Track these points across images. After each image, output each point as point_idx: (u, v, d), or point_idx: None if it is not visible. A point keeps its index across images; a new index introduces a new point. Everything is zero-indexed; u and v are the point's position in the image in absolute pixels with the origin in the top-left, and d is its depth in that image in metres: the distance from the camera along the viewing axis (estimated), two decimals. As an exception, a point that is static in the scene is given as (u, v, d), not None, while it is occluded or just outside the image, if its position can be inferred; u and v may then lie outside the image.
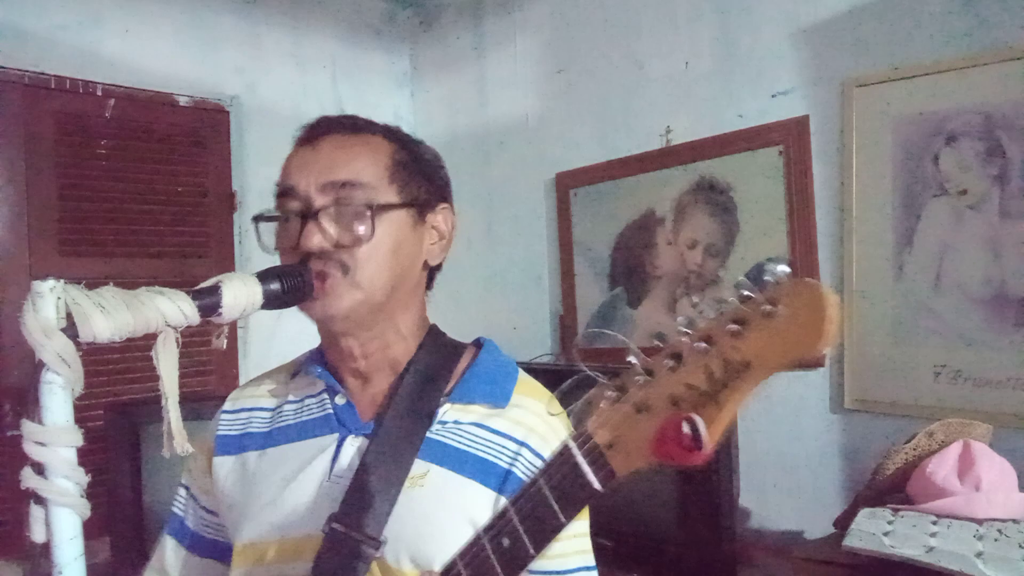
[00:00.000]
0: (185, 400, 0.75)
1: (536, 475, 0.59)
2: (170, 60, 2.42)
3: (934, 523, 1.30)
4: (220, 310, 0.75)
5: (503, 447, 0.84)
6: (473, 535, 0.62)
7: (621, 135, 2.32)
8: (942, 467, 1.38)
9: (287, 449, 0.87)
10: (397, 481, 0.81)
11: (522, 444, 0.84)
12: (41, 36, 2.16)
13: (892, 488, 1.49)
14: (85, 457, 0.68)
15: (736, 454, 1.83)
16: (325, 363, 0.91)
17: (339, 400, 0.88)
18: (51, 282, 0.66)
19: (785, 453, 1.94)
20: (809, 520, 1.88)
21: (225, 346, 0.81)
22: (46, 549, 0.66)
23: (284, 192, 0.85)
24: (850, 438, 1.83)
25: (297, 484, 0.84)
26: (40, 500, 0.66)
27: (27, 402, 0.66)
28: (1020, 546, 1.20)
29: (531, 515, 0.58)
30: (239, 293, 0.76)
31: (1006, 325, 1.58)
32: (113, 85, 2.29)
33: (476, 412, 0.86)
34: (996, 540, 1.22)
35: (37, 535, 0.66)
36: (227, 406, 0.96)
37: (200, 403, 2.13)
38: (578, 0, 2.45)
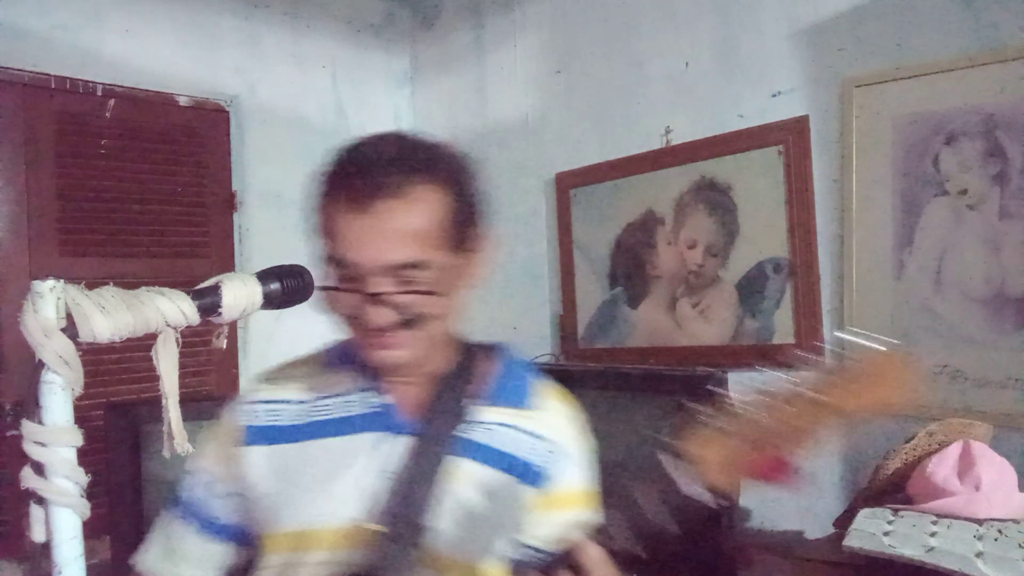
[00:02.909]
0: (185, 400, 0.75)
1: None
2: (170, 60, 2.42)
3: (934, 523, 1.30)
4: (220, 310, 0.75)
5: (535, 447, 0.92)
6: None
7: (621, 135, 2.32)
8: (942, 467, 1.38)
9: (330, 443, 0.90)
10: (440, 476, 0.87)
11: (554, 444, 0.93)
12: (41, 36, 2.16)
13: (892, 488, 1.49)
14: (85, 457, 0.68)
15: (736, 454, 1.82)
16: (358, 360, 0.91)
17: (383, 399, 0.91)
18: (51, 282, 0.66)
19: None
20: (809, 520, 1.88)
21: (225, 346, 0.82)
22: (46, 549, 0.66)
23: (336, 260, 0.82)
24: (850, 438, 1.83)
25: (344, 477, 0.87)
26: (40, 500, 0.66)
27: (27, 402, 0.66)
28: (1020, 546, 1.20)
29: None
30: (239, 293, 0.76)
31: (1006, 325, 1.58)
32: (113, 85, 2.29)
33: (504, 413, 0.93)
34: (996, 540, 1.23)
35: (37, 535, 0.66)
36: (256, 395, 0.96)
37: (200, 403, 2.14)
38: (578, 0, 2.45)
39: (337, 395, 0.93)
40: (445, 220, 0.83)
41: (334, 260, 0.82)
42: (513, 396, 0.94)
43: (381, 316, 0.81)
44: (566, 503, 0.94)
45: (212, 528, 0.95)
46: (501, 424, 0.92)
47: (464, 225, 0.86)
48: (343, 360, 0.94)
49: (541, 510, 0.92)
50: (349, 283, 0.82)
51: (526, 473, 0.91)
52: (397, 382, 0.91)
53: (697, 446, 0.69)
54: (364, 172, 0.81)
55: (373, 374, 0.91)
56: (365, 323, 0.82)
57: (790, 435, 0.67)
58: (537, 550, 0.91)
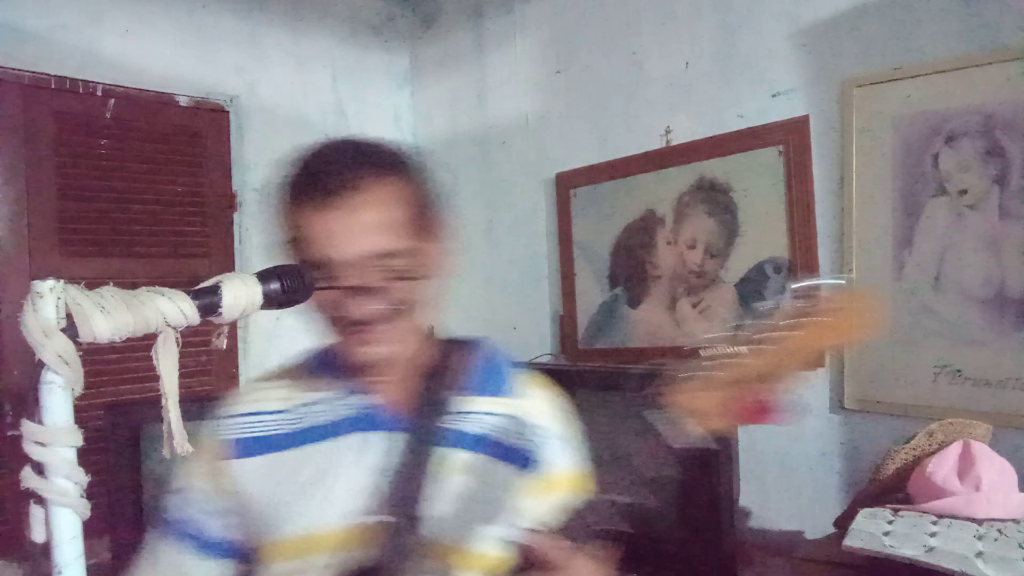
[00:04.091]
0: (185, 400, 0.75)
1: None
2: (170, 60, 2.42)
3: (934, 523, 1.30)
4: (220, 310, 0.75)
5: (521, 432, 0.96)
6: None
7: (621, 135, 2.32)
8: (942, 467, 1.38)
9: (320, 447, 0.92)
10: (434, 469, 0.90)
11: (540, 427, 0.97)
12: (41, 36, 2.16)
13: (892, 488, 1.49)
14: (85, 457, 0.68)
15: (736, 454, 1.83)
16: (339, 364, 0.94)
17: (368, 400, 0.93)
18: (51, 282, 0.66)
19: (785, 453, 1.94)
20: (809, 520, 1.88)
21: (225, 346, 0.82)
22: (46, 549, 0.66)
23: (311, 262, 0.84)
24: (850, 438, 1.83)
25: (340, 479, 0.90)
26: (40, 500, 0.66)
27: (27, 402, 0.66)
28: (1020, 546, 1.20)
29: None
30: (239, 293, 0.76)
31: (1006, 325, 1.58)
32: (113, 85, 2.29)
33: (489, 402, 0.96)
34: (996, 540, 1.23)
35: (37, 535, 0.66)
36: (236, 409, 0.97)
37: (200, 403, 2.13)
38: (578, 0, 2.45)
39: (321, 400, 0.95)
40: (405, 209, 0.87)
41: (309, 263, 0.84)
42: (495, 385, 0.97)
43: (362, 308, 0.83)
44: (559, 485, 0.96)
45: (208, 546, 0.95)
46: (487, 413, 0.95)
47: (423, 213, 0.89)
48: (324, 366, 0.97)
49: (535, 494, 0.95)
50: (326, 282, 0.83)
51: (516, 458, 0.94)
52: (380, 381, 0.93)
53: (681, 399, 0.75)
54: (322, 174, 0.85)
55: (356, 376, 0.93)
56: (348, 317, 0.84)
57: (769, 375, 0.72)
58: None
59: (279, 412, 0.95)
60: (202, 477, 0.96)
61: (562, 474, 0.98)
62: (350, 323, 0.85)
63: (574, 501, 0.86)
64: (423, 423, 0.92)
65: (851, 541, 1.27)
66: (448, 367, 0.97)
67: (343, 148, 0.90)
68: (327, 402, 0.94)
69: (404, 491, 0.88)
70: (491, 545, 0.91)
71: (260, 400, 0.97)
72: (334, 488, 0.89)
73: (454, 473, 0.91)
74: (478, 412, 0.95)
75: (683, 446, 0.74)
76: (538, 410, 0.99)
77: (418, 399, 0.94)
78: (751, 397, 0.72)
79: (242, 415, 0.96)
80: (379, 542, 0.86)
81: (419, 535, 0.87)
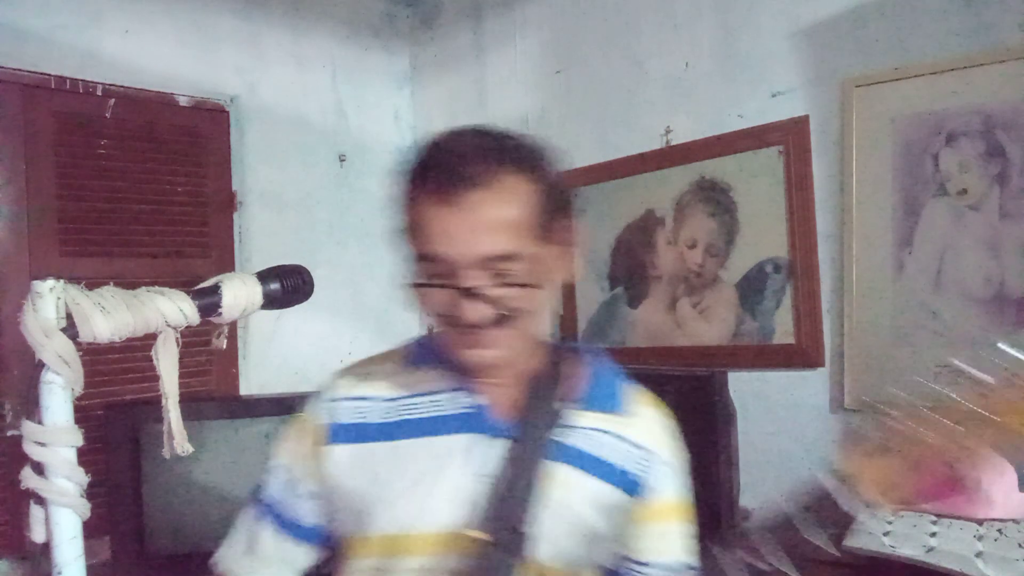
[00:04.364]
0: (185, 400, 0.75)
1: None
2: (170, 60, 2.41)
3: (934, 523, 1.30)
4: (220, 310, 0.75)
5: (632, 454, 0.89)
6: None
7: (621, 135, 2.32)
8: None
9: (422, 443, 0.87)
10: (539, 482, 0.84)
11: (651, 452, 0.91)
12: (41, 36, 2.16)
13: (892, 488, 1.48)
14: (85, 457, 0.68)
15: (736, 454, 1.83)
16: (446, 358, 0.89)
17: (475, 400, 0.88)
18: (51, 282, 0.66)
19: (785, 453, 1.93)
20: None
21: (225, 346, 0.82)
22: (46, 549, 0.66)
23: (427, 257, 0.80)
24: (850, 438, 1.83)
25: (441, 479, 0.85)
26: (40, 500, 0.66)
27: (27, 402, 0.66)
28: (1020, 546, 1.20)
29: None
30: (239, 293, 0.76)
31: (1006, 325, 1.58)
32: (113, 85, 2.29)
33: (599, 418, 0.90)
34: (996, 540, 1.23)
35: (37, 535, 0.66)
36: (339, 392, 0.93)
37: (200, 403, 2.14)
38: (578, 0, 2.45)
39: (426, 393, 0.89)
40: (534, 210, 0.80)
41: (424, 257, 0.80)
42: (607, 400, 0.91)
43: (476, 312, 0.78)
44: (663, 515, 0.92)
45: (291, 529, 0.93)
46: (596, 429, 0.89)
47: (552, 216, 0.83)
48: (429, 358, 0.91)
49: (637, 521, 0.90)
50: (440, 280, 0.79)
51: (624, 481, 0.89)
52: (488, 382, 0.88)
53: (860, 464, 0.67)
54: (450, 165, 0.79)
55: (464, 373, 0.88)
56: (459, 320, 0.79)
57: (960, 454, 0.64)
58: (633, 561, 0.91)
59: (383, 400, 0.90)
60: (294, 458, 0.93)
61: (668, 503, 0.92)
62: (460, 324, 0.80)
63: (681, 532, 0.83)
64: (531, 432, 0.86)
65: (851, 541, 1.27)
66: (558, 376, 0.91)
67: (474, 137, 0.84)
68: (433, 396, 0.89)
69: (508, 503, 0.82)
70: (590, 572, 0.87)
71: (364, 385, 0.92)
72: (434, 489, 0.84)
73: (559, 489, 0.85)
74: (587, 427, 0.89)
75: (851, 512, 0.67)
76: (649, 431, 0.92)
77: (526, 406, 0.88)
78: (936, 474, 0.64)
79: (344, 399, 0.91)
80: (475, 555, 0.81)
81: (519, 553, 0.81)
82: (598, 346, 0.99)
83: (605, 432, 0.89)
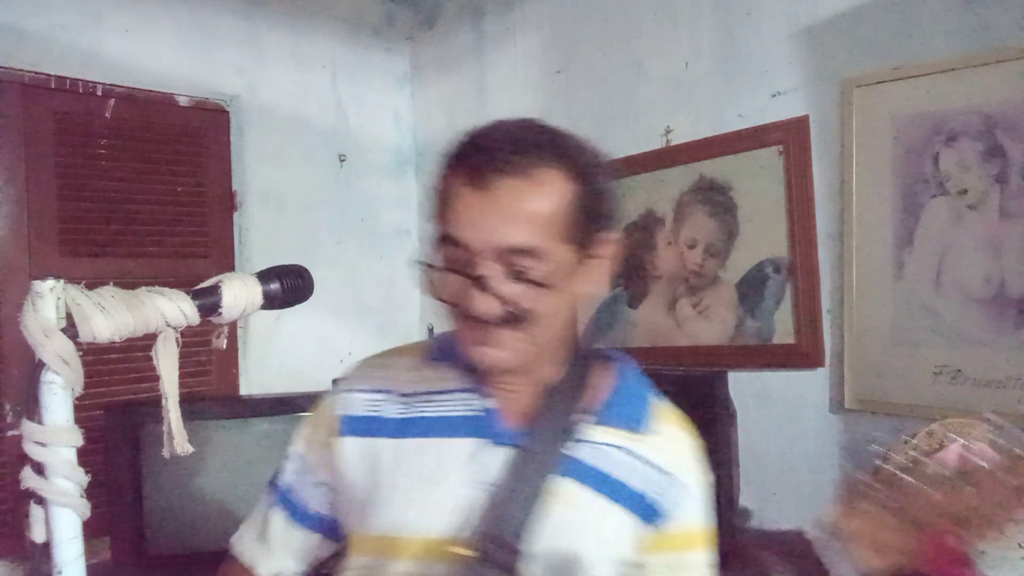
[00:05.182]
0: (185, 400, 0.75)
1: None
2: (170, 60, 2.42)
3: (934, 523, 1.30)
4: (220, 310, 0.75)
5: (649, 476, 0.84)
6: None
7: (621, 135, 2.32)
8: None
9: (427, 443, 0.84)
10: (542, 495, 0.80)
11: (670, 475, 0.85)
12: (41, 36, 2.16)
13: (892, 488, 1.48)
14: (85, 457, 0.68)
15: (736, 454, 1.83)
16: (460, 356, 0.85)
17: (486, 404, 0.85)
18: (51, 282, 0.66)
19: (785, 453, 1.93)
20: (809, 520, 1.88)
21: (225, 346, 0.82)
22: (46, 549, 0.66)
23: (447, 238, 0.77)
24: (850, 438, 1.83)
25: (440, 484, 0.82)
26: (40, 500, 0.66)
27: (27, 402, 0.66)
28: (1020, 546, 1.20)
29: None
30: (239, 293, 0.76)
31: (1006, 325, 1.58)
32: (113, 85, 2.29)
33: (617, 435, 0.85)
34: (996, 540, 1.22)
35: (37, 535, 0.66)
36: (356, 384, 0.91)
37: (200, 403, 2.14)
38: (578, 0, 2.45)
39: (440, 392, 0.87)
40: (569, 210, 0.76)
41: (446, 239, 0.77)
42: (628, 416, 0.86)
43: (483, 304, 0.75)
44: (682, 543, 0.86)
45: (300, 516, 0.93)
46: (611, 445, 0.84)
47: (589, 221, 0.79)
48: (449, 355, 0.88)
49: (654, 549, 0.85)
50: (456, 265, 0.76)
51: (638, 505, 0.83)
52: (502, 386, 0.85)
53: (855, 522, 0.59)
54: (488, 150, 0.77)
55: (477, 374, 0.85)
56: (466, 312, 0.76)
57: (969, 519, 0.54)
58: None
59: (397, 395, 0.88)
60: (308, 447, 0.93)
61: (686, 530, 0.86)
62: (467, 317, 0.76)
63: (703, 562, 0.77)
64: (541, 443, 0.82)
65: (851, 541, 1.27)
66: (578, 385, 0.86)
67: (518, 126, 0.81)
68: (444, 395, 0.86)
69: (505, 516, 0.78)
70: None
71: (382, 378, 0.90)
72: (432, 493, 0.81)
73: (565, 507, 0.80)
74: (605, 443, 0.84)
75: None
76: (669, 452, 0.86)
77: (538, 415, 0.84)
78: (940, 540, 0.54)
79: (360, 391, 0.90)
80: (465, 567, 0.77)
81: (509, 570, 0.77)
82: (630, 357, 0.93)
83: (619, 448, 0.84)
